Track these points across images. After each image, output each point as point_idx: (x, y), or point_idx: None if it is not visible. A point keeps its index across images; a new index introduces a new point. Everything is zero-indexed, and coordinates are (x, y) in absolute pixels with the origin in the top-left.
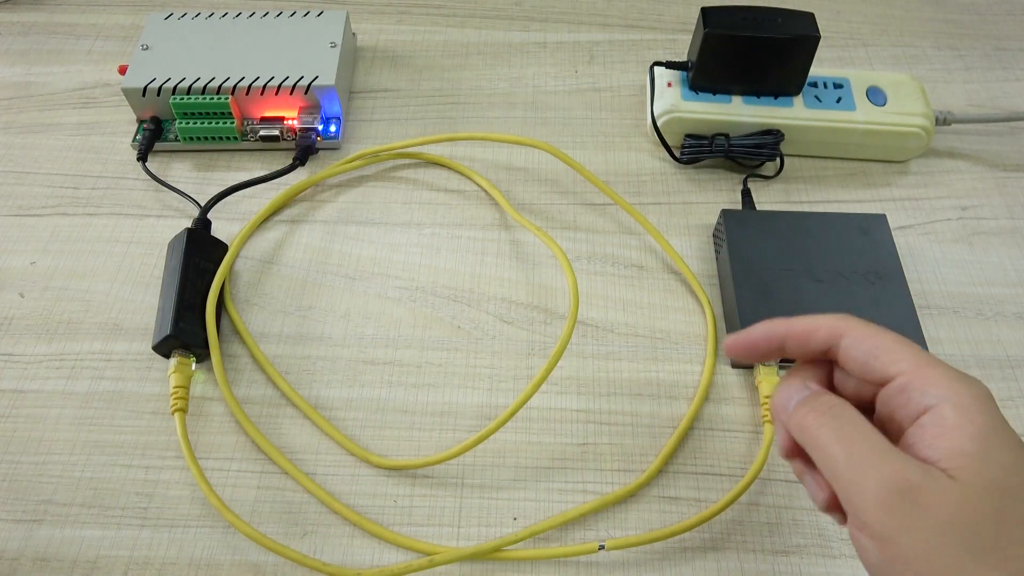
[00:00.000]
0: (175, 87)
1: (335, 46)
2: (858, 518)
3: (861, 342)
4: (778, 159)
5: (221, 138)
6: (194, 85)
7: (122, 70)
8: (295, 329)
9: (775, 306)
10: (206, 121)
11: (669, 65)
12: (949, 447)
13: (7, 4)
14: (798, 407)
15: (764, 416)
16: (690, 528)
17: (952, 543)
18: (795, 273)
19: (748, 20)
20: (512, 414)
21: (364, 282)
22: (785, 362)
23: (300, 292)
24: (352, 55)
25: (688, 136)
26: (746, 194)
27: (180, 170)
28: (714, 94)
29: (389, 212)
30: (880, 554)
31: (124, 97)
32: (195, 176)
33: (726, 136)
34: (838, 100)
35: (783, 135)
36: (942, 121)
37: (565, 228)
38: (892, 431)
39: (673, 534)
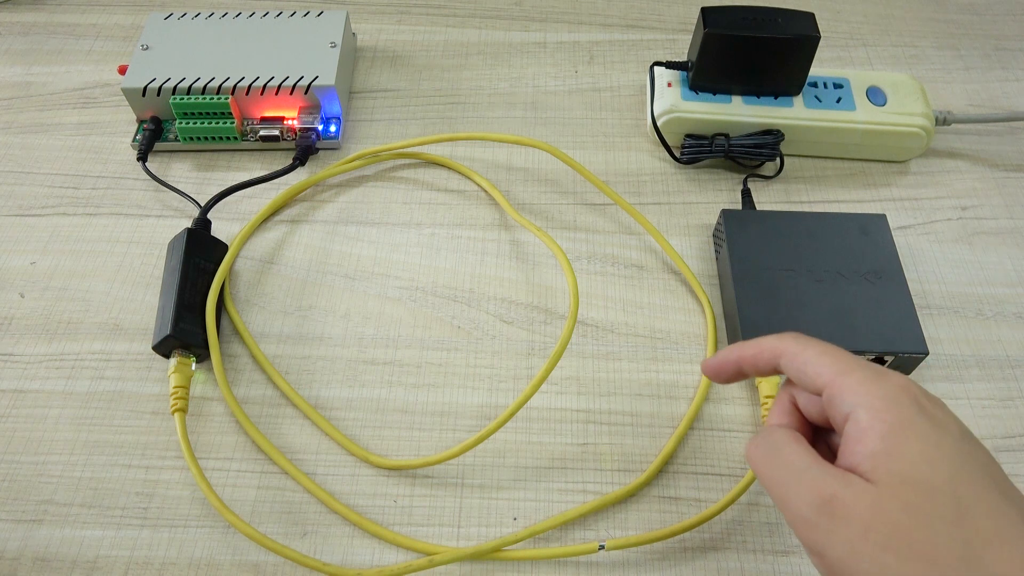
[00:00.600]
0: (175, 87)
1: (335, 46)
2: (797, 536)
3: (791, 360)
4: (778, 159)
5: (221, 138)
6: (194, 85)
7: (122, 70)
8: (295, 329)
9: (775, 306)
10: (206, 121)
11: (669, 65)
12: (863, 451)
13: (7, 4)
14: (747, 446)
15: (764, 416)
16: (690, 528)
17: (873, 546)
18: (795, 273)
19: (748, 20)
20: (512, 414)
21: (364, 282)
22: None
23: (300, 292)
24: (352, 55)
25: (688, 136)
26: (746, 194)
27: (180, 170)
28: (714, 94)
29: (389, 212)
30: (821, 569)
31: (124, 97)
32: (195, 176)
33: (726, 136)
34: (838, 100)
35: (783, 135)
36: (942, 121)
37: (565, 228)
38: None
39: (673, 534)
